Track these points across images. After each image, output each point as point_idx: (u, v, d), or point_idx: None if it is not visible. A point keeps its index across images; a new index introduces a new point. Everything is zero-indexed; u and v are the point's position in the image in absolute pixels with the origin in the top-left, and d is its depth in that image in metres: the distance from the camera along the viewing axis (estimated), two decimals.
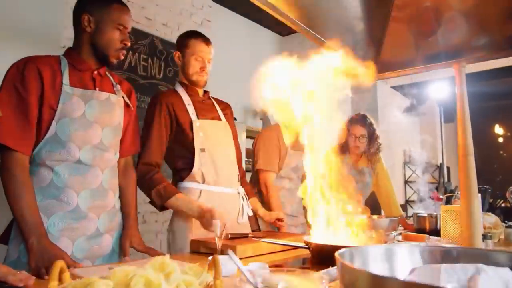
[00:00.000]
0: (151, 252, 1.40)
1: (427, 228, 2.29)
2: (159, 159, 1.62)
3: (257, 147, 2.26)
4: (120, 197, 1.47)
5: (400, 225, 2.61)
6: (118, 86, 1.45)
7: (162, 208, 1.61)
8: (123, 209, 1.46)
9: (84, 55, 1.33)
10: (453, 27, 1.74)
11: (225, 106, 1.91)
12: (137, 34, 3.15)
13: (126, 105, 1.45)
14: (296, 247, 1.44)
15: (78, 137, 1.25)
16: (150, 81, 3.22)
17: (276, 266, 1.30)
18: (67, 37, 2.66)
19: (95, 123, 1.30)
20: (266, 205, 2.09)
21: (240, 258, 1.38)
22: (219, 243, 1.31)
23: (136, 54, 3.14)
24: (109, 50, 1.33)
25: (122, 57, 1.39)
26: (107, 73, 1.43)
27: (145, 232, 3.09)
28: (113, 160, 1.39)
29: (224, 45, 4.39)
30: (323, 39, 2.13)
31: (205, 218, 1.51)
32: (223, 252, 1.41)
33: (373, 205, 2.66)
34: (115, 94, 1.41)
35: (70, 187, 1.24)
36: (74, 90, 1.27)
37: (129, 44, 1.40)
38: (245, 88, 4.51)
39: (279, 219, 1.88)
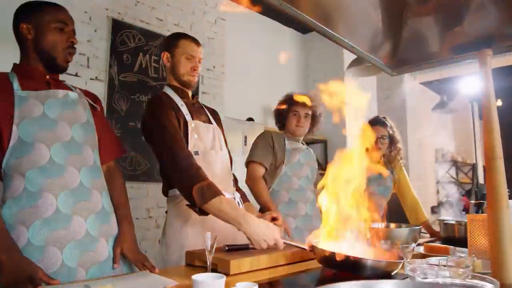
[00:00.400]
0: (139, 265, 1.30)
1: (455, 236, 2.09)
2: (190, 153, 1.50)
3: (252, 145, 2.22)
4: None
5: (424, 231, 2.41)
6: (78, 90, 1.40)
7: (201, 211, 1.44)
8: (115, 213, 1.38)
9: (33, 64, 1.29)
10: (478, 15, 1.55)
11: (213, 112, 1.82)
12: (148, 35, 3.09)
13: (92, 108, 1.39)
14: (297, 247, 1.34)
15: (44, 135, 1.19)
16: (161, 82, 3.15)
17: (271, 285, 1.17)
18: None
19: (61, 121, 1.24)
20: (256, 199, 2.01)
21: (235, 274, 1.28)
22: (209, 258, 1.19)
23: (147, 55, 3.07)
24: (54, 52, 1.28)
25: (71, 59, 1.33)
26: (66, 83, 1.39)
27: (158, 237, 3.02)
28: (91, 158, 1.30)
29: (241, 44, 4.28)
30: (337, 35, 2.00)
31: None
32: (217, 267, 1.29)
33: (395, 211, 2.47)
34: (72, 90, 1.35)
35: (46, 190, 1.15)
36: (28, 93, 1.21)
37: (76, 41, 1.33)
38: (265, 87, 4.37)
39: (274, 218, 1.74)
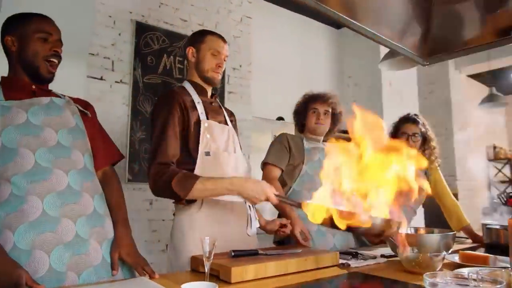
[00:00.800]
0: (138, 269, 1.24)
1: (500, 242, 1.86)
2: (175, 157, 1.47)
3: (269, 147, 2.13)
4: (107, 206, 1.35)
5: (466, 236, 2.19)
6: (68, 97, 1.37)
7: (189, 201, 1.45)
8: (111, 217, 1.35)
9: (18, 75, 1.29)
10: None
11: (230, 114, 1.77)
12: (172, 36, 3.08)
13: (83, 114, 1.38)
14: (289, 204, 1.32)
15: (28, 141, 1.17)
16: None
17: None
18: (97, 44, 2.67)
19: (46, 127, 1.22)
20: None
21: (238, 283, 1.18)
22: (207, 265, 1.11)
23: (171, 57, 3.06)
24: (36, 62, 1.27)
25: (54, 70, 1.31)
26: (55, 93, 1.37)
27: None
28: (81, 162, 1.27)
29: (269, 42, 4.17)
30: (363, 25, 1.86)
31: (262, 189, 1.35)
32: (218, 273, 1.20)
33: (432, 216, 2.27)
34: (60, 97, 1.33)
35: (32, 193, 1.13)
36: (11, 102, 1.21)
37: (60, 51, 1.32)
38: (296, 85, 4.22)
39: (283, 225, 1.65)
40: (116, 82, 2.76)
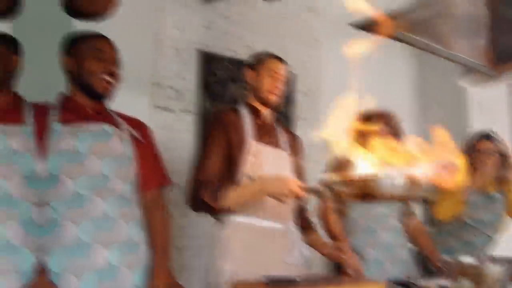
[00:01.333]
0: None
1: None
2: (214, 176, 1.46)
3: None
4: (148, 233, 1.38)
5: None
6: (121, 119, 1.41)
7: (225, 213, 1.46)
8: (151, 245, 1.37)
9: (73, 95, 1.36)
10: None
11: (293, 138, 1.76)
12: (237, 64, 3.09)
13: (135, 138, 1.40)
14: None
15: (72, 169, 1.23)
16: None
17: None
18: (162, 75, 2.77)
19: (91, 155, 1.26)
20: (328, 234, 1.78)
21: None
22: None
23: (237, 84, 3.06)
24: (90, 79, 1.32)
25: (109, 87, 1.36)
26: (111, 112, 1.42)
27: None
28: (120, 189, 1.30)
29: (341, 64, 3.93)
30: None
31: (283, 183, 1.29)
32: None
33: None
34: (113, 126, 1.36)
35: (68, 219, 1.19)
36: (63, 127, 1.27)
37: (115, 70, 1.36)
38: (373, 107, 3.86)
39: (339, 249, 1.55)
40: (181, 111, 2.82)
